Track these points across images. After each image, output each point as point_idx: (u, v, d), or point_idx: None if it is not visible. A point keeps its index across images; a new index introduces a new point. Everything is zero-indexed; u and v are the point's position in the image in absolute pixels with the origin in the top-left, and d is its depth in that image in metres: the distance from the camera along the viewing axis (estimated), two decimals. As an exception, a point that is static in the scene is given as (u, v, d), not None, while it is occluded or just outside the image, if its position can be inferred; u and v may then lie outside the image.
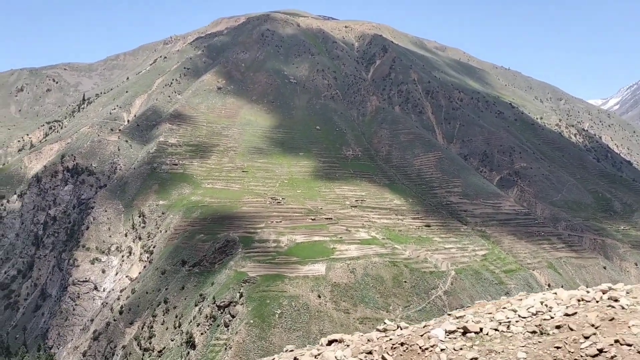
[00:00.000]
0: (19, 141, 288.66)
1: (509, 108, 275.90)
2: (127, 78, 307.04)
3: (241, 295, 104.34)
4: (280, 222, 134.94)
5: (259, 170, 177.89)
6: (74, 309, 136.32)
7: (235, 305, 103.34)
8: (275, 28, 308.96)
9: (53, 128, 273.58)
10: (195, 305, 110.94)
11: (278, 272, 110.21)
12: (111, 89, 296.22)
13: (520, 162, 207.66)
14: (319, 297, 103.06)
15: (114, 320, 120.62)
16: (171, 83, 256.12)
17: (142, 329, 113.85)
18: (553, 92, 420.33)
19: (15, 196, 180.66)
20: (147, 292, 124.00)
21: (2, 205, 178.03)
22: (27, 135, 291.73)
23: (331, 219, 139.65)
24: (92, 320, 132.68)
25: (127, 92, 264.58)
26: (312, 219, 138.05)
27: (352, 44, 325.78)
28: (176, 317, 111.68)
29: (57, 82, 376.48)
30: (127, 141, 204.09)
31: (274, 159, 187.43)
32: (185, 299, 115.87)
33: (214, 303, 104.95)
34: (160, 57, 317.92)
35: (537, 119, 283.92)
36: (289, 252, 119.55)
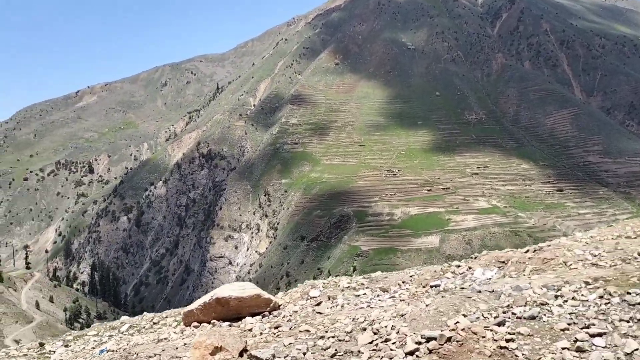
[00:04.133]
0: (165, 132, 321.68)
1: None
2: (253, 64, 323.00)
3: (354, 269, 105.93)
4: (395, 194, 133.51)
5: (375, 144, 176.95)
6: (212, 282, 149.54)
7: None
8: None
9: (192, 118, 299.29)
10: (314, 279, 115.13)
11: (390, 245, 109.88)
12: (239, 76, 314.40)
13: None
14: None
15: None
16: (292, 64, 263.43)
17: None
18: None
19: (160, 182, 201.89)
20: (271, 267, 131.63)
21: (151, 192, 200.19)
22: (172, 125, 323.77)
23: (448, 188, 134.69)
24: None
25: (252, 77, 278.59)
26: (428, 190, 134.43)
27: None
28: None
29: (194, 74, 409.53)
30: (253, 125, 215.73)
31: (391, 130, 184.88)
32: (304, 272, 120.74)
33: (329, 276, 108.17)
34: (282, 39, 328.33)
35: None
36: (402, 224, 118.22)
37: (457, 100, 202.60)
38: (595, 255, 11.91)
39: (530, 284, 10.07)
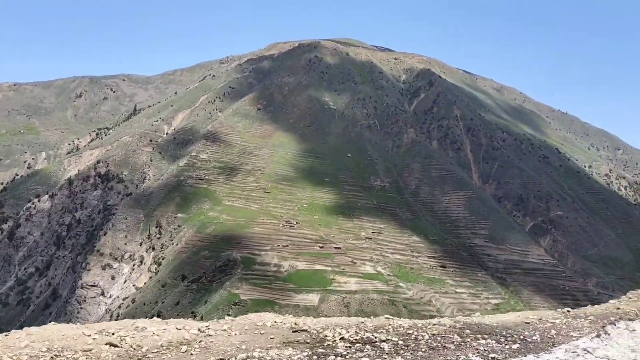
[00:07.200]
0: (69, 144, 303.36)
1: (554, 153, 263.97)
2: (176, 93, 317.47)
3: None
4: (287, 246, 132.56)
5: (281, 192, 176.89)
6: (78, 312, 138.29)
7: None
8: (323, 55, 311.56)
9: (100, 134, 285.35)
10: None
11: (270, 298, 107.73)
12: (159, 102, 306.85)
13: (557, 210, 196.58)
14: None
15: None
16: (214, 101, 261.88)
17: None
18: (611, 140, 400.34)
19: (46, 196, 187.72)
20: (144, 304, 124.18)
21: (34, 204, 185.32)
22: (78, 139, 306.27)
23: (340, 248, 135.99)
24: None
25: (172, 105, 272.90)
26: (320, 247, 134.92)
27: (399, 76, 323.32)
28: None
29: (114, 92, 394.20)
30: (160, 153, 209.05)
31: (298, 182, 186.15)
32: (177, 314, 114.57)
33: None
34: (210, 75, 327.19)
35: (585, 167, 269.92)
36: (287, 278, 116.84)
37: (366, 165, 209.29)
38: None
39: None
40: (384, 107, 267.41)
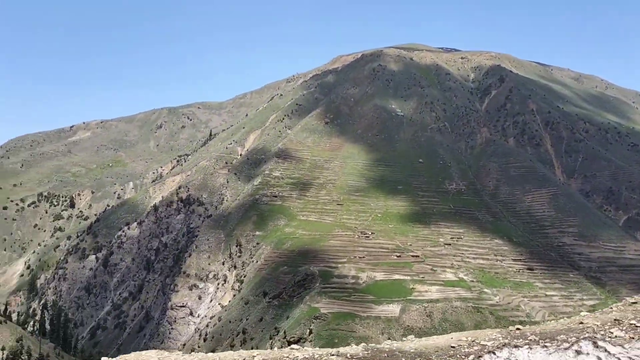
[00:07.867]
0: (153, 173, 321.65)
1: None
2: (247, 115, 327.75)
3: (310, 332, 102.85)
4: (364, 257, 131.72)
5: (354, 204, 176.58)
6: (170, 333, 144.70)
7: (304, 342, 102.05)
8: (386, 63, 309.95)
9: (180, 161, 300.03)
10: (270, 339, 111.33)
11: (350, 310, 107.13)
12: (231, 125, 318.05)
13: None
14: (389, 340, 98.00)
15: (198, 347, 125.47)
16: (283, 119, 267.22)
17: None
18: None
19: (135, 224, 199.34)
20: (230, 321, 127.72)
21: (124, 232, 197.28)
22: (161, 167, 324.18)
23: (418, 256, 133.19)
24: (184, 345, 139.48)
25: (243, 128, 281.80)
26: (398, 256, 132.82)
27: (468, 75, 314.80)
28: (251, 348, 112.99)
29: (190, 120, 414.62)
30: (236, 174, 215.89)
31: (370, 192, 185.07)
32: (262, 330, 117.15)
33: (285, 338, 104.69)
34: (278, 94, 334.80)
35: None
36: (365, 289, 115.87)
37: (439, 169, 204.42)
38: None
39: None
40: (453, 108, 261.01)
